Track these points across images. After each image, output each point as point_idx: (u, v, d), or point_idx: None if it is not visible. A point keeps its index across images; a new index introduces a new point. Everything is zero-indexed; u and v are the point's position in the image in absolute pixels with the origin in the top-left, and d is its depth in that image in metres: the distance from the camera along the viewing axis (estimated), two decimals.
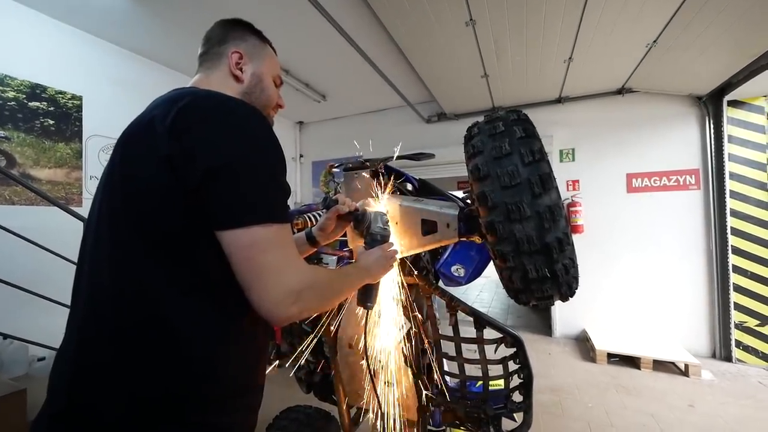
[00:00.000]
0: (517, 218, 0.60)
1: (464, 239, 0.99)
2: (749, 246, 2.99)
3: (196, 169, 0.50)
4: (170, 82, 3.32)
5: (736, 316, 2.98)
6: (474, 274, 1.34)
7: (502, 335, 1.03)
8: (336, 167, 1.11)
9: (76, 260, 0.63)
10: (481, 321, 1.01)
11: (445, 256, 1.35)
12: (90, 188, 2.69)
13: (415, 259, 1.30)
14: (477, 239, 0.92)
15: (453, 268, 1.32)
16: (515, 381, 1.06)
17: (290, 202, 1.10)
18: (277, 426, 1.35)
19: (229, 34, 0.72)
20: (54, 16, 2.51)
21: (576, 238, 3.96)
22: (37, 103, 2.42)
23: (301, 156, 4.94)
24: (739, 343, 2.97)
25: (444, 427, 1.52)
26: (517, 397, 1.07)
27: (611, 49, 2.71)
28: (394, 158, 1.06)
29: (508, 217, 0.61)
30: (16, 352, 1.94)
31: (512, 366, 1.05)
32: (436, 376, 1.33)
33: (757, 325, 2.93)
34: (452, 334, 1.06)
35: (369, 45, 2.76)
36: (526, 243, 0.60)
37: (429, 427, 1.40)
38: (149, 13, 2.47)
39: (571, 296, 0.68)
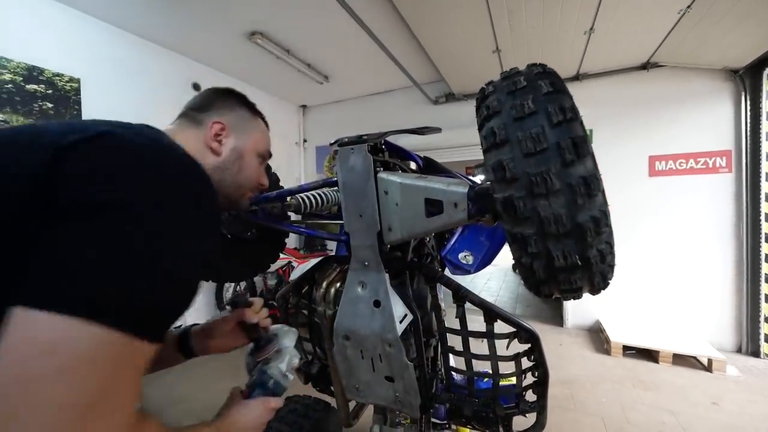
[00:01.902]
0: (543, 192, 0.48)
1: (474, 222, 0.88)
2: None
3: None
4: (173, 66, 3.22)
5: (766, 309, 2.79)
6: (484, 261, 1.23)
7: (515, 329, 0.92)
8: (332, 144, 0.99)
9: None
10: (491, 313, 0.90)
11: (452, 241, 1.24)
12: None
13: (419, 245, 1.19)
14: (489, 222, 0.80)
15: (461, 255, 1.21)
16: (528, 379, 0.96)
17: (289, 185, 0.97)
18: (274, 417, 1.30)
19: (215, 103, 0.65)
20: None
21: None
22: (34, 86, 2.35)
23: (305, 141, 4.83)
24: None
25: (446, 423, 1.44)
26: (530, 396, 0.97)
27: (638, 18, 2.47)
28: (396, 133, 0.94)
29: (531, 191, 0.49)
30: None
31: (525, 363, 0.96)
32: (441, 372, 1.24)
33: None
34: (459, 327, 0.95)
35: (373, 19, 2.59)
36: (553, 223, 0.48)
37: (433, 420, 1.32)
38: None
39: (604, 288, 0.57)
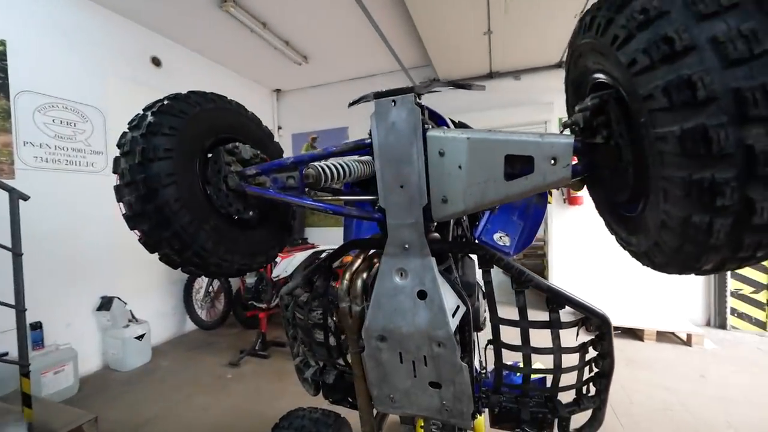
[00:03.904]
0: (762, 116, 0.33)
1: (566, 185, 0.73)
2: None
3: None
4: (123, 31, 2.76)
5: (732, 284, 2.99)
6: (521, 242, 1.11)
7: (583, 316, 0.80)
8: (356, 101, 0.79)
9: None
10: (560, 299, 0.77)
11: (483, 222, 1.10)
12: (23, 156, 2.18)
13: (455, 225, 1.04)
14: (575, 187, 0.66)
15: (496, 236, 1.08)
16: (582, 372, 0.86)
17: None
18: None
19: None
20: None
21: (573, 210, 3.89)
22: None
23: (279, 128, 4.47)
24: (733, 311, 3.00)
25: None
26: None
27: None
28: (445, 85, 0.76)
29: (742, 115, 0.34)
30: None
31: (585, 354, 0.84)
32: (484, 371, 1.09)
33: (752, 293, 2.96)
34: (517, 318, 0.81)
35: None
36: None
37: None
38: None
39: None
